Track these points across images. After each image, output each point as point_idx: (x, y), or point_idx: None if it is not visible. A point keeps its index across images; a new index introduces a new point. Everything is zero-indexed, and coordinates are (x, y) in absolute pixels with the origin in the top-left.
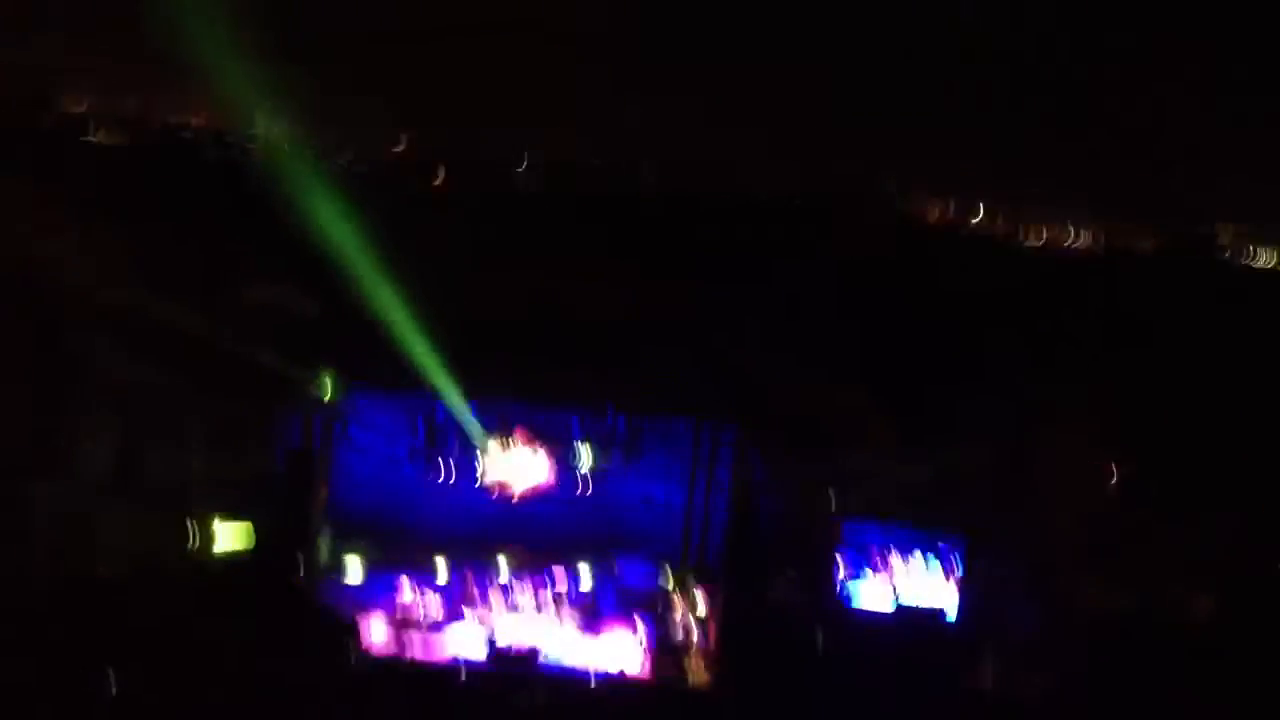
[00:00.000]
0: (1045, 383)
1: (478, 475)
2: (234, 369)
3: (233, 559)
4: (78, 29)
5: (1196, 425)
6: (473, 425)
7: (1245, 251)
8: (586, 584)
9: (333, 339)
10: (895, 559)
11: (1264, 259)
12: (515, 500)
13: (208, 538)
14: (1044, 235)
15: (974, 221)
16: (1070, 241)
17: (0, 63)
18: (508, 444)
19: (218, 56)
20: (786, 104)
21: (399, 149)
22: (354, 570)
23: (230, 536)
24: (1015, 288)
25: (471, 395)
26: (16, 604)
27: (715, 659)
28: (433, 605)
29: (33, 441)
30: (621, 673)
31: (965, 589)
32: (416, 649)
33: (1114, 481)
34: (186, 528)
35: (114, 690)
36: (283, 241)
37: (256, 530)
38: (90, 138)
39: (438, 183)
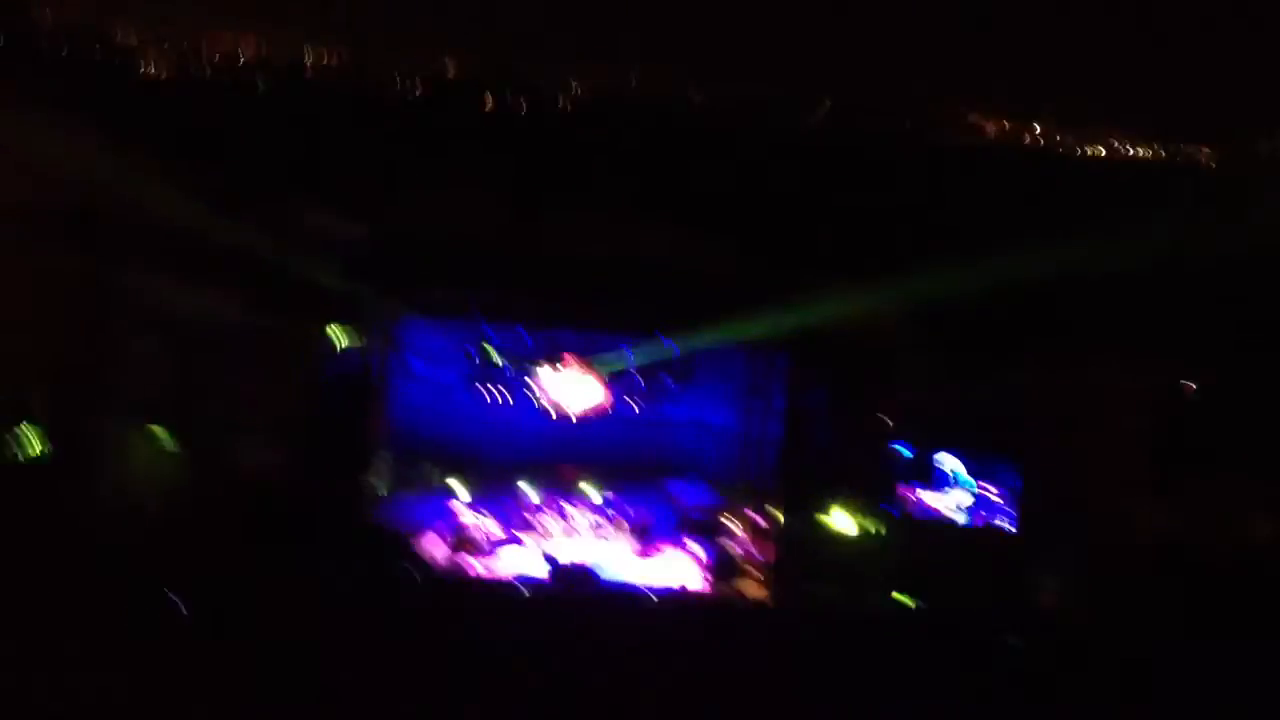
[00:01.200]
0: (1103, 305)
1: (531, 399)
2: (290, 296)
3: (293, 482)
4: None
5: (1258, 347)
6: (525, 351)
7: None
8: (642, 505)
9: (388, 267)
10: (947, 477)
11: None
12: (574, 420)
13: (266, 462)
14: (1101, 150)
15: (1030, 139)
16: (1127, 155)
17: None
18: (559, 368)
19: None
20: (835, 26)
21: (449, 75)
22: (412, 493)
23: (289, 460)
24: (1070, 209)
25: (524, 322)
26: (79, 530)
27: (772, 576)
28: (491, 526)
29: (96, 372)
30: (682, 588)
31: (1021, 511)
32: (476, 568)
33: (1174, 406)
34: (245, 453)
35: (179, 614)
36: (338, 169)
37: (314, 455)
38: (143, 68)
39: (488, 109)
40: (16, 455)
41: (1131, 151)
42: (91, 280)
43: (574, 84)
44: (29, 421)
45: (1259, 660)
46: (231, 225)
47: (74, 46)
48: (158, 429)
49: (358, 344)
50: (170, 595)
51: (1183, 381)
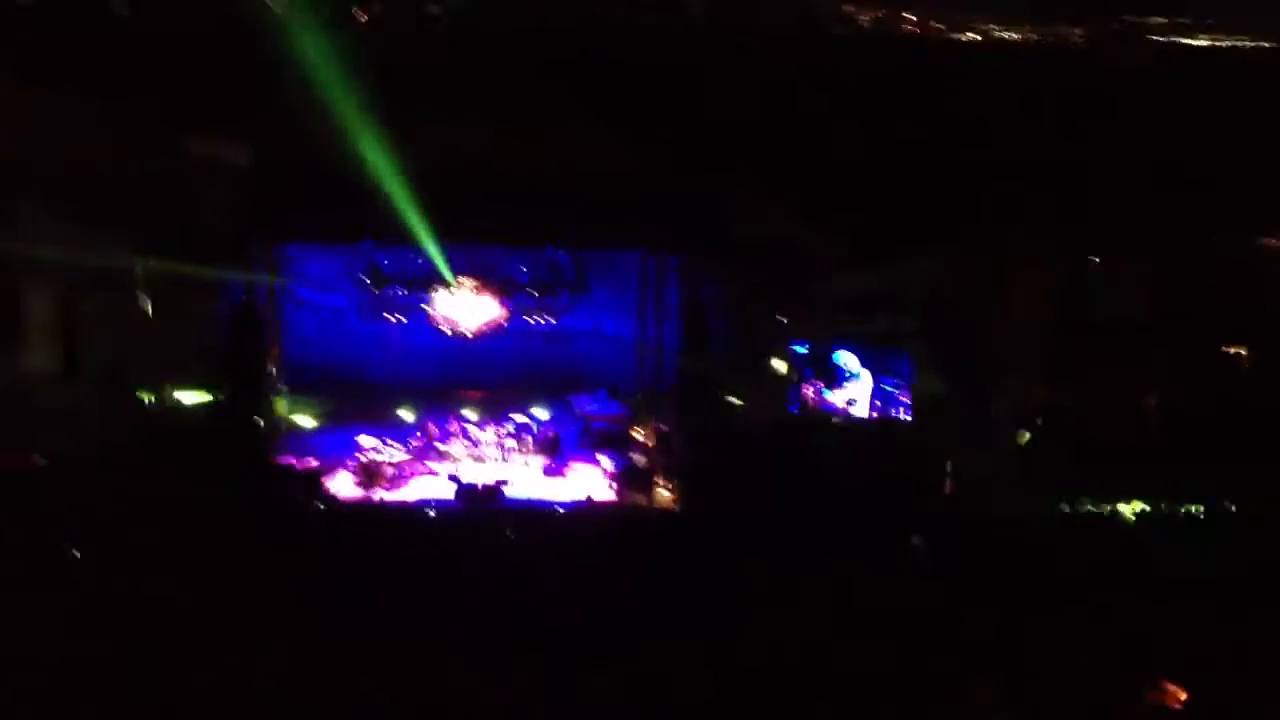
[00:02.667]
0: (989, 190)
1: (427, 320)
2: (174, 227)
3: (190, 422)
4: None
5: (1147, 219)
6: (416, 272)
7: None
8: (547, 422)
9: (268, 193)
10: (845, 373)
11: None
12: (470, 337)
13: (161, 403)
14: (978, 33)
15: (906, 26)
16: (1002, 39)
17: None
18: (454, 288)
19: None
20: None
21: None
22: (313, 424)
23: (184, 400)
24: (950, 90)
25: (412, 242)
26: None
27: (679, 481)
28: (396, 455)
29: None
30: (589, 500)
31: (914, 399)
32: (382, 495)
33: (1063, 288)
34: (138, 396)
35: (82, 563)
36: (211, 94)
37: (210, 392)
38: None
39: (365, 19)
40: None
41: (1005, 35)
42: None
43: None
44: None
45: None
46: (107, 158)
47: None
48: (46, 373)
49: (245, 276)
50: (68, 541)
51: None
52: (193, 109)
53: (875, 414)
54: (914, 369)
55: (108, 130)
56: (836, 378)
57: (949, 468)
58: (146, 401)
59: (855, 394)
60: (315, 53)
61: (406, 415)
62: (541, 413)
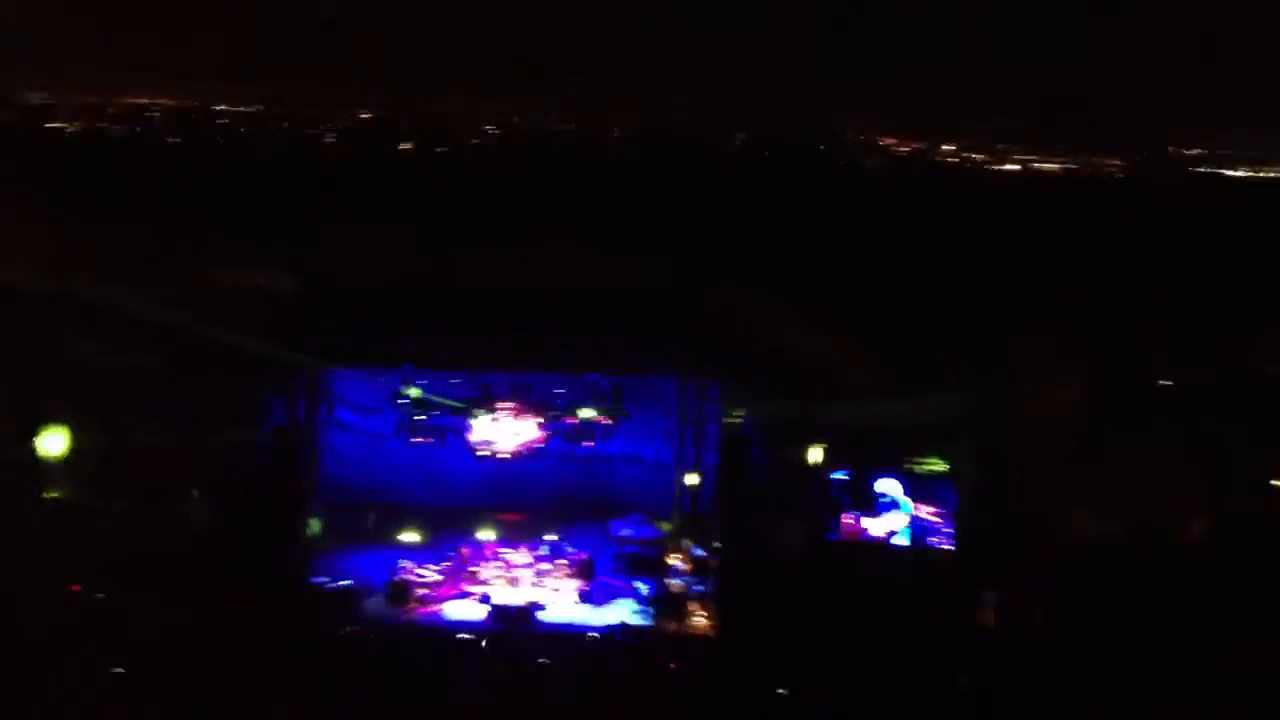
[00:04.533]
0: (1023, 320)
1: (464, 443)
2: (216, 352)
3: (227, 538)
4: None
5: (1175, 350)
6: (456, 396)
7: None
8: (582, 546)
9: (313, 317)
10: (885, 500)
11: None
12: (506, 458)
13: (200, 519)
14: (1016, 165)
15: (942, 158)
16: (1039, 170)
17: None
18: (494, 413)
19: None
20: (746, 58)
21: (365, 115)
22: (350, 546)
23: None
24: (988, 225)
25: (453, 366)
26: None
27: (715, 607)
28: (429, 575)
29: (18, 437)
30: (622, 625)
31: (957, 526)
32: (415, 617)
33: (1098, 411)
34: (177, 511)
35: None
36: (257, 221)
37: (248, 512)
38: (54, 125)
39: (406, 147)
40: None
41: (1043, 166)
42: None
43: (488, 126)
44: None
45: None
46: (153, 282)
47: None
48: (91, 492)
49: (286, 398)
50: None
51: (1102, 389)
52: (237, 235)
53: (917, 542)
54: (956, 498)
55: (152, 254)
56: (876, 506)
57: (991, 599)
58: (186, 521)
59: (895, 523)
60: (360, 181)
61: (442, 537)
62: (578, 535)
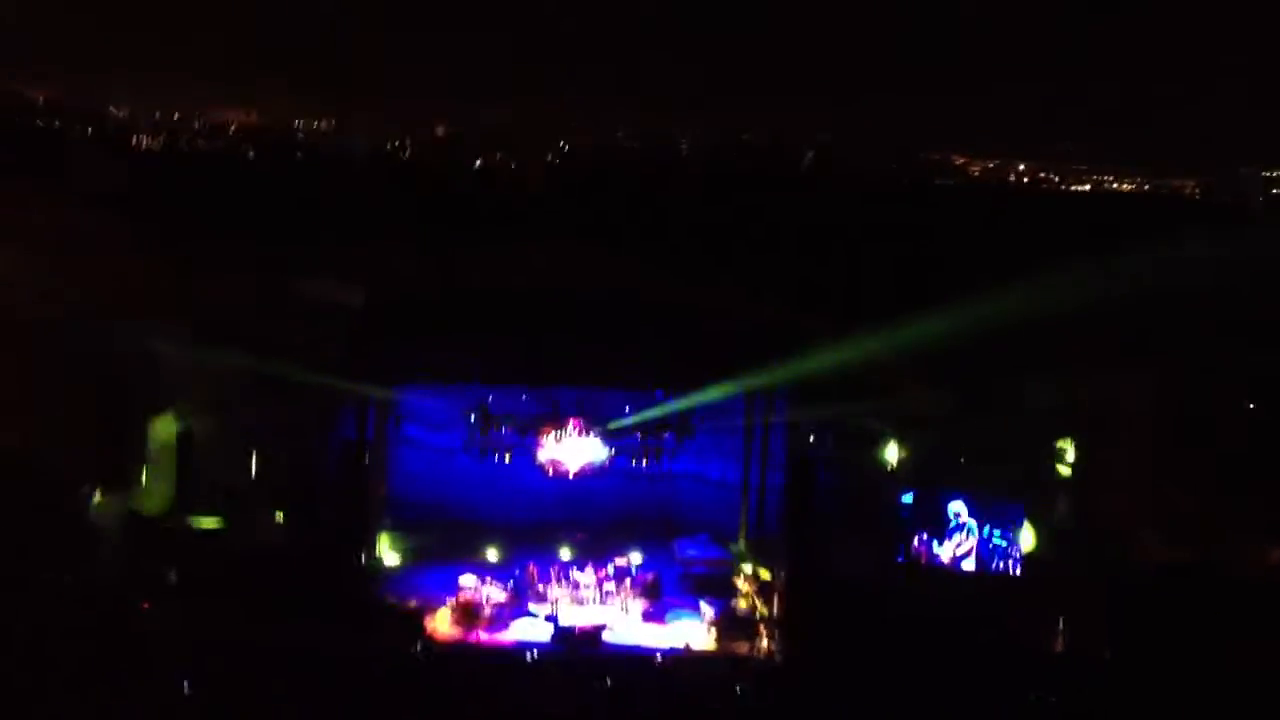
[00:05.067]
0: (1096, 345)
1: (531, 460)
2: (288, 366)
3: (295, 552)
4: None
5: (1253, 376)
6: (523, 413)
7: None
8: (648, 566)
9: (382, 333)
10: (954, 523)
11: None
12: (571, 476)
13: (271, 538)
14: (1086, 186)
15: (1015, 178)
16: (1112, 189)
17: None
18: (561, 430)
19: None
20: (816, 74)
21: (439, 133)
22: (418, 564)
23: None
24: (1062, 248)
25: (520, 384)
26: (99, 607)
27: (782, 629)
28: (495, 594)
29: (96, 447)
30: (688, 646)
31: (1026, 550)
32: (482, 636)
33: (1172, 438)
34: (249, 524)
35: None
36: (332, 237)
37: (319, 530)
38: (136, 141)
39: (479, 165)
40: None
41: (1117, 186)
42: (95, 356)
43: (561, 141)
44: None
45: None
46: (228, 297)
47: (66, 123)
48: (164, 505)
49: (356, 414)
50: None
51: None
52: (309, 251)
53: (986, 565)
54: (1027, 521)
55: (228, 270)
56: (945, 528)
57: (1061, 624)
58: (255, 536)
59: (964, 546)
60: (429, 198)
61: (508, 555)
62: (644, 555)
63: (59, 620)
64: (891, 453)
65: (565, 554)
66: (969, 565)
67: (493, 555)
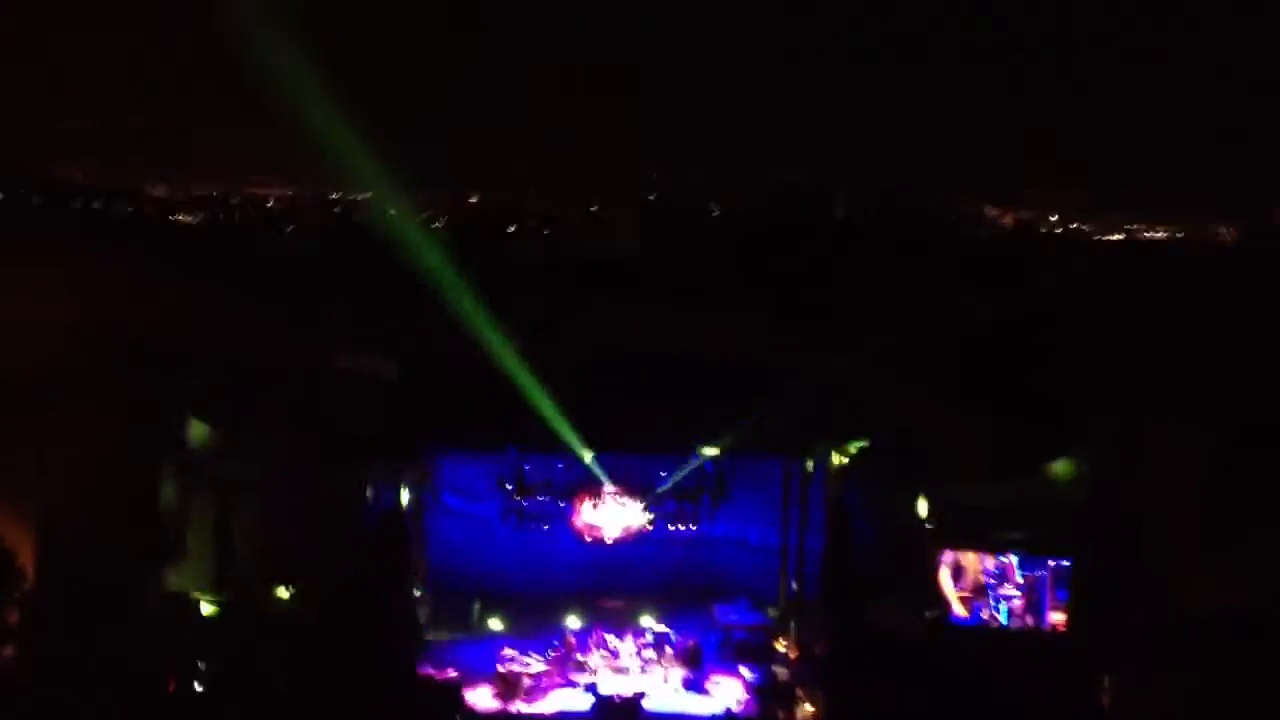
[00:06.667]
0: (1133, 396)
1: (569, 527)
2: (325, 436)
3: (334, 623)
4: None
5: None
6: (560, 479)
7: None
8: (688, 633)
9: (417, 403)
10: (998, 580)
11: None
12: (609, 543)
13: (309, 603)
14: (1119, 235)
15: (1046, 228)
16: (1146, 237)
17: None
18: (598, 498)
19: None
20: (856, 127)
21: (473, 201)
22: (457, 636)
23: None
24: (1100, 299)
25: (556, 450)
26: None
27: (823, 695)
28: (537, 666)
29: (132, 523)
30: (729, 712)
31: (1075, 605)
32: (521, 708)
33: (1214, 483)
34: (287, 595)
35: None
36: (367, 309)
37: (355, 596)
38: (175, 218)
39: (511, 230)
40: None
41: (1150, 234)
42: (135, 429)
43: (593, 205)
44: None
45: None
46: (265, 370)
47: (106, 202)
48: (201, 582)
49: (394, 484)
50: None
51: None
52: (343, 323)
53: (1028, 623)
54: (1068, 577)
55: (266, 340)
56: (988, 587)
57: (1105, 682)
58: (292, 610)
59: (1008, 600)
60: (461, 269)
61: (548, 625)
62: (684, 622)
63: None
64: (933, 509)
65: (605, 622)
66: (1012, 621)
67: (532, 626)
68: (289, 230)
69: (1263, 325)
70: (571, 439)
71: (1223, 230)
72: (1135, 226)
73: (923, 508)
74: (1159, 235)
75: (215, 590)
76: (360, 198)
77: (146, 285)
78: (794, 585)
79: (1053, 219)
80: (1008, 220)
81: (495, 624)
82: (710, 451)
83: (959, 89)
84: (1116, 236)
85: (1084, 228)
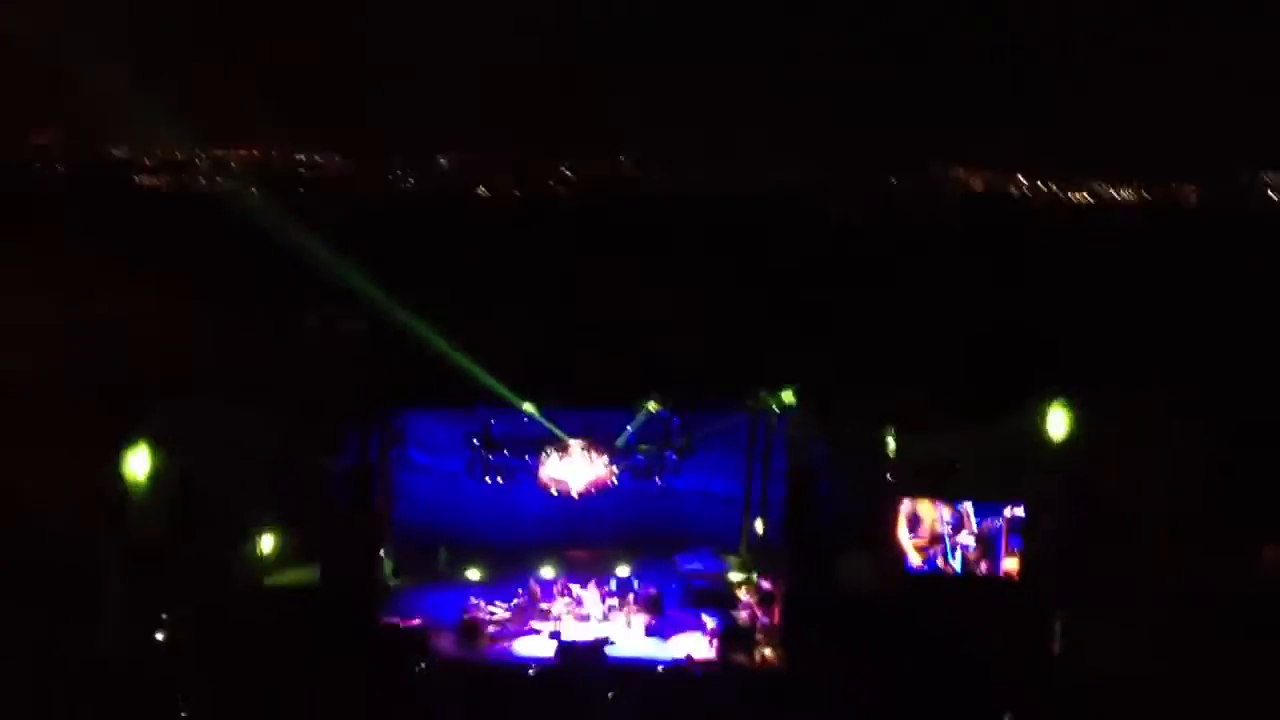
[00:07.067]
0: (1101, 354)
1: (535, 480)
2: (292, 392)
3: (299, 576)
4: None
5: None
6: (526, 434)
7: None
8: (650, 581)
9: (385, 359)
10: (954, 530)
11: None
12: (575, 496)
13: (275, 557)
14: (1086, 196)
15: (1015, 189)
16: (1113, 199)
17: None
18: (564, 451)
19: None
20: (822, 101)
21: (442, 164)
22: (422, 584)
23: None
24: (1065, 256)
25: (523, 405)
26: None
27: (783, 640)
28: (499, 613)
29: (97, 479)
30: (689, 658)
31: (1028, 557)
32: (486, 655)
33: (1182, 446)
34: (252, 548)
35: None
36: (335, 268)
37: (321, 548)
38: (137, 180)
39: (480, 193)
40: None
41: (1117, 195)
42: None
43: (568, 171)
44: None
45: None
46: (231, 328)
47: (71, 164)
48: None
49: (360, 438)
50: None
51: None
52: (318, 281)
53: (982, 570)
54: (1026, 526)
55: (233, 299)
56: (948, 534)
57: (1058, 629)
58: (258, 560)
59: (964, 549)
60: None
61: (514, 574)
62: (647, 570)
63: None
64: (892, 461)
65: (569, 572)
66: (968, 568)
67: (497, 575)
68: (253, 193)
69: (1222, 286)
70: (537, 393)
71: (1189, 189)
72: (1102, 186)
73: (883, 460)
74: (1124, 196)
75: (181, 549)
76: (333, 162)
77: (100, 255)
78: (758, 531)
79: (1021, 180)
80: (975, 182)
81: (463, 574)
82: (654, 406)
83: (959, 89)
84: (1083, 196)
85: (1052, 187)
